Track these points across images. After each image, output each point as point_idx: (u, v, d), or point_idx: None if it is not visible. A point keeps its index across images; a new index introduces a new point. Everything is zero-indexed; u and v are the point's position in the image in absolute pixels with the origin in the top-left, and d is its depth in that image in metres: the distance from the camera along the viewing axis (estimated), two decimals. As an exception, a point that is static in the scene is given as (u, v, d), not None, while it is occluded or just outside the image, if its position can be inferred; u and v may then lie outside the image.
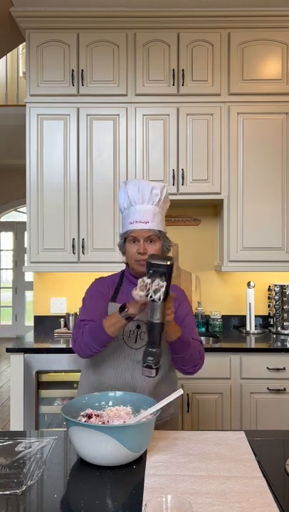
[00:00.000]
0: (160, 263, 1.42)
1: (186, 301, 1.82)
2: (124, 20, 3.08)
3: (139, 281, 1.44)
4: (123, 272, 1.83)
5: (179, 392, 1.41)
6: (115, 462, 1.25)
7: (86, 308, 1.74)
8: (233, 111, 3.11)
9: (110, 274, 1.87)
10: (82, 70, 3.09)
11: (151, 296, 1.41)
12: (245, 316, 3.35)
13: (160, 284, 1.41)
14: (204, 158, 3.11)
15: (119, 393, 1.51)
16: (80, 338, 1.63)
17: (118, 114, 3.11)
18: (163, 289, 1.41)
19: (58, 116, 3.11)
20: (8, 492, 1.13)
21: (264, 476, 1.23)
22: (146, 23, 3.08)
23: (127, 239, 1.70)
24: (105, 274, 1.88)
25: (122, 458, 1.25)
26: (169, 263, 1.42)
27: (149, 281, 1.42)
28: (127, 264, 1.78)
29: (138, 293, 1.43)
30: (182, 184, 3.09)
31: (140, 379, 1.66)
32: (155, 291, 1.41)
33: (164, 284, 1.41)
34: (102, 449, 1.23)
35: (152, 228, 1.66)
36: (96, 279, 1.84)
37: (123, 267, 1.84)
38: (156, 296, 1.41)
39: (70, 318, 3.22)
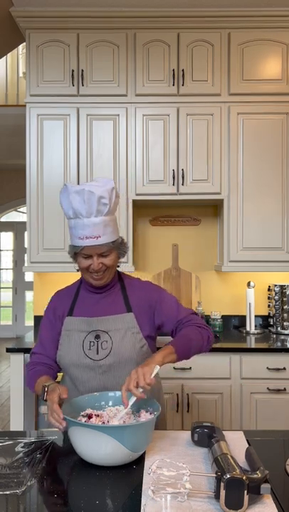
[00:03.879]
0: None
1: (153, 289, 1.70)
2: (124, 20, 3.08)
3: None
4: (81, 280, 1.74)
5: (156, 368, 1.40)
6: (115, 462, 1.25)
7: (40, 338, 1.73)
8: (233, 111, 3.11)
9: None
10: (82, 70, 3.09)
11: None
12: (245, 316, 3.35)
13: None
14: (204, 158, 3.11)
15: (119, 393, 1.50)
16: (27, 375, 1.74)
17: (118, 114, 3.11)
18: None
19: (58, 116, 3.11)
20: (8, 492, 1.13)
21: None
22: (146, 23, 3.08)
23: (77, 253, 1.60)
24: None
25: (121, 458, 1.25)
26: None
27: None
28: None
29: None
30: (182, 184, 3.09)
31: (112, 386, 1.60)
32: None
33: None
34: (102, 449, 1.23)
35: (104, 243, 1.55)
36: (54, 294, 1.78)
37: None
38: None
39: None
